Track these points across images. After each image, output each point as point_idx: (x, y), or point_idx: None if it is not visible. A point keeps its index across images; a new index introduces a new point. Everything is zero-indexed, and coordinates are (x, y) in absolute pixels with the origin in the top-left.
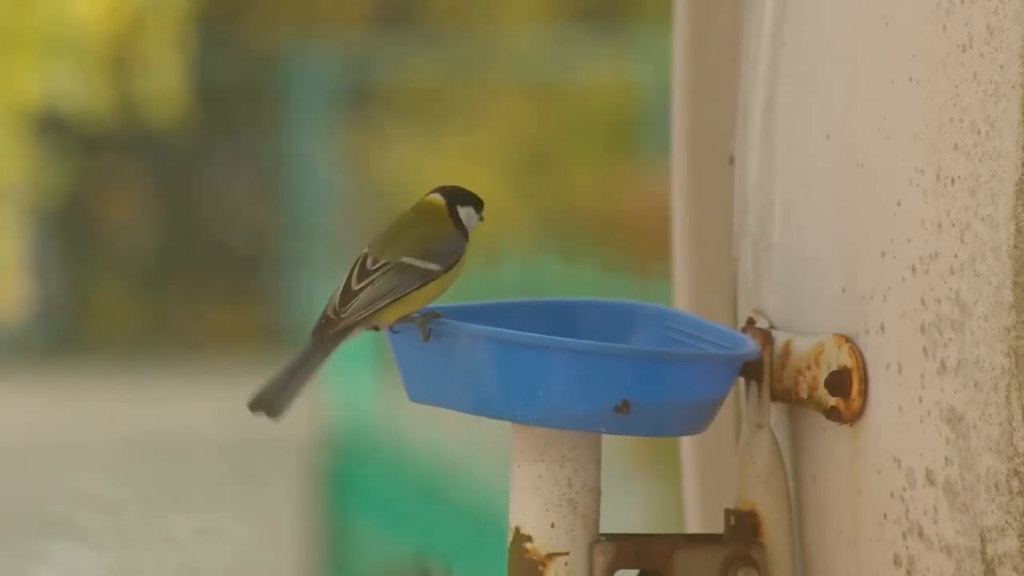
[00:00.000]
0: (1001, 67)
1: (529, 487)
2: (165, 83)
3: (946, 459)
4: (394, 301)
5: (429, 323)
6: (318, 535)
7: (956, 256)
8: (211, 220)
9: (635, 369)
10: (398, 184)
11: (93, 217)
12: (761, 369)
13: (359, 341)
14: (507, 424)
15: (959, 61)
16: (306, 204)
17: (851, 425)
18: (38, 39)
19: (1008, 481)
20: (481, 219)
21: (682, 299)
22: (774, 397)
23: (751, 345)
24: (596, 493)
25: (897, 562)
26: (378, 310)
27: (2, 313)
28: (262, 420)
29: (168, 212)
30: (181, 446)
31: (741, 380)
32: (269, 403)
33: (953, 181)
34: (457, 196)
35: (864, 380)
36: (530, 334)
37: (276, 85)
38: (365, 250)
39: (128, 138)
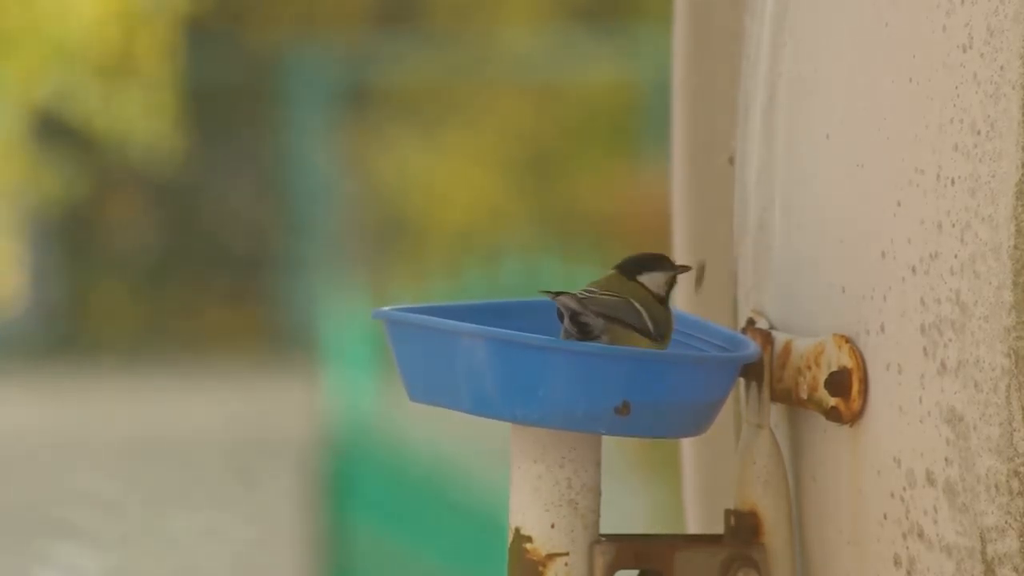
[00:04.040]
0: (1001, 68)
1: (529, 487)
2: (157, 95)
3: (946, 459)
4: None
5: None
6: (318, 535)
7: (956, 256)
8: (211, 220)
9: (635, 370)
10: (398, 184)
11: (93, 218)
12: (761, 370)
13: (359, 341)
14: (507, 424)
15: (959, 61)
16: (306, 204)
17: (851, 425)
18: (42, 40)
19: (1008, 481)
20: (674, 277)
21: (682, 299)
22: (774, 397)
23: (752, 347)
24: (596, 494)
25: (897, 562)
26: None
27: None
28: (262, 420)
29: (168, 212)
30: (181, 446)
31: (741, 380)
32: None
33: (953, 181)
34: (636, 265)
35: (864, 380)
36: (530, 334)
37: (276, 85)
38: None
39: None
